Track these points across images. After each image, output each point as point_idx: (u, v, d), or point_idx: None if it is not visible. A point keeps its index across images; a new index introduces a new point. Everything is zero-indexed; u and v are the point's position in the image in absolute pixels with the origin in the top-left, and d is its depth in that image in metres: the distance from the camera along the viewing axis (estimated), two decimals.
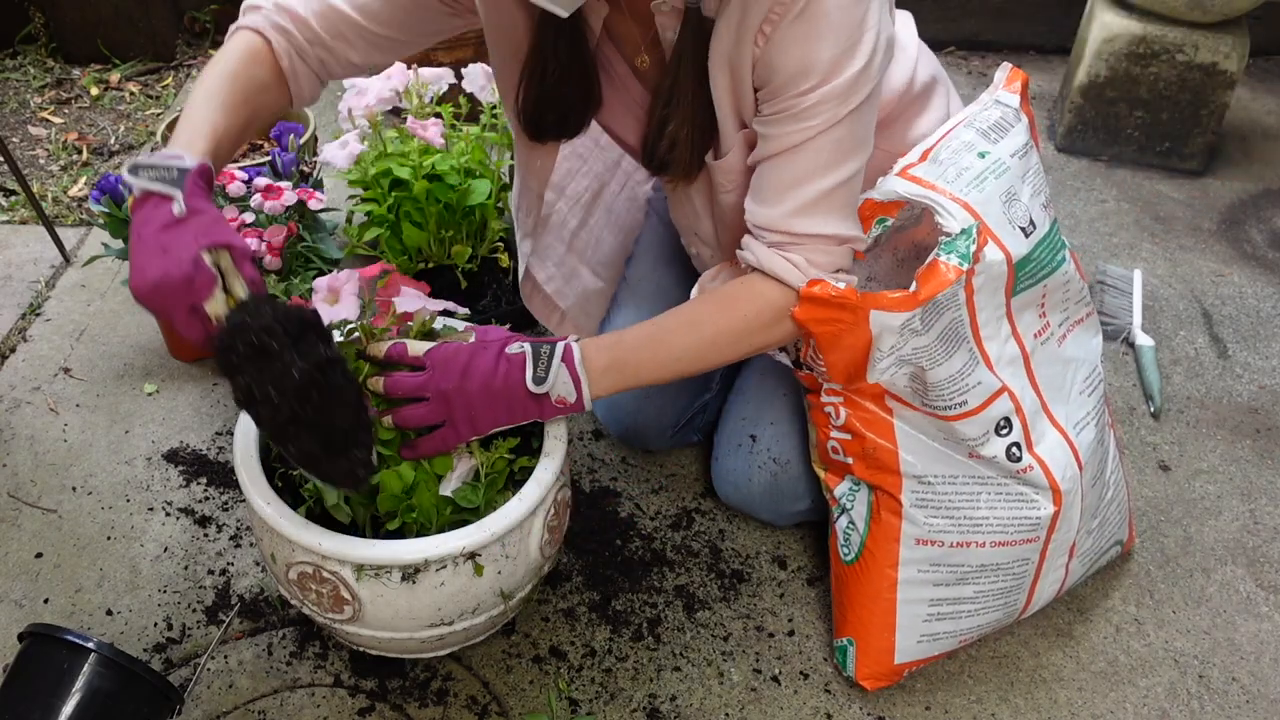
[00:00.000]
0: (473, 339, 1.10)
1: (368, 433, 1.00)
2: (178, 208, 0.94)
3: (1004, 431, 1.18)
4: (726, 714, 1.26)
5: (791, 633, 1.36)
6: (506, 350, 1.07)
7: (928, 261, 1.11)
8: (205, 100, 1.06)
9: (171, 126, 1.94)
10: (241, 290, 0.95)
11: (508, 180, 1.89)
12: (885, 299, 1.08)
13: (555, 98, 1.18)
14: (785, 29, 0.99)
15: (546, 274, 1.51)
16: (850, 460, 1.23)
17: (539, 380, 1.06)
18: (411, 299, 1.16)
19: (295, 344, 0.92)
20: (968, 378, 1.15)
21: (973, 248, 1.10)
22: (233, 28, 1.16)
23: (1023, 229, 1.18)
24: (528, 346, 1.07)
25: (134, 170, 0.96)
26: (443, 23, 1.20)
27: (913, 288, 1.09)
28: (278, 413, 0.92)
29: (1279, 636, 1.38)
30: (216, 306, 0.93)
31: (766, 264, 1.10)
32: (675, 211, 1.31)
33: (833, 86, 1.01)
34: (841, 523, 1.27)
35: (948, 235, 1.12)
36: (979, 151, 1.19)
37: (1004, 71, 1.27)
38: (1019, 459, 1.19)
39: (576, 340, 1.09)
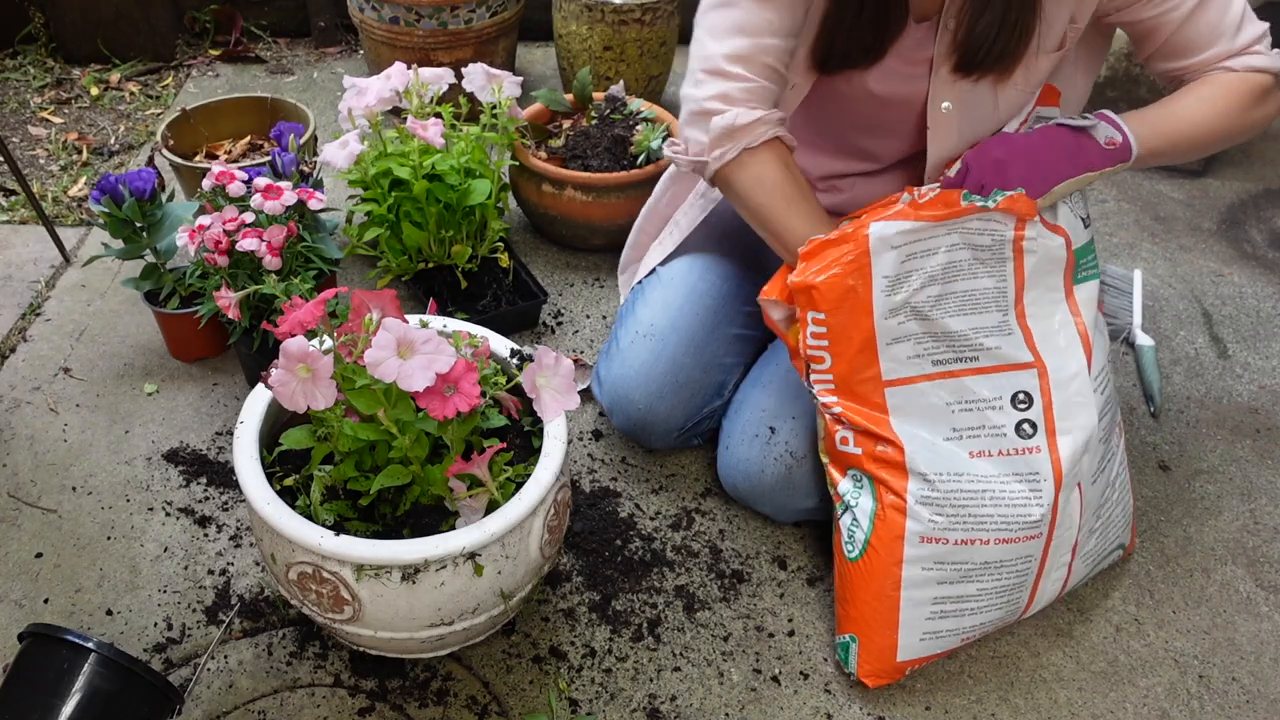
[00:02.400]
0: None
1: None
2: None
3: (1022, 406, 1.20)
4: (726, 714, 1.26)
5: (791, 633, 1.36)
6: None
7: (938, 190, 1.19)
8: (809, 218, 1.23)
9: (171, 126, 1.94)
10: None
11: (507, 180, 1.90)
12: (881, 212, 1.16)
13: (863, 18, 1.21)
14: None
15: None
16: (859, 451, 1.23)
17: (1077, 121, 1.20)
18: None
19: None
20: (988, 338, 1.19)
21: (998, 198, 1.16)
22: (743, 146, 1.22)
23: (1082, 219, 1.26)
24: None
25: None
26: None
27: (904, 199, 1.18)
28: None
29: (1279, 636, 1.38)
30: None
31: (1244, 65, 1.22)
32: (940, 140, 1.30)
33: None
34: (845, 520, 1.27)
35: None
36: None
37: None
38: (1030, 436, 1.21)
39: None
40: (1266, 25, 1.24)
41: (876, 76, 1.27)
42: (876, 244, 1.15)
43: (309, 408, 1.03)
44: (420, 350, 1.02)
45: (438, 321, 1.27)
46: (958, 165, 1.23)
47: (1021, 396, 1.20)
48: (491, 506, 1.11)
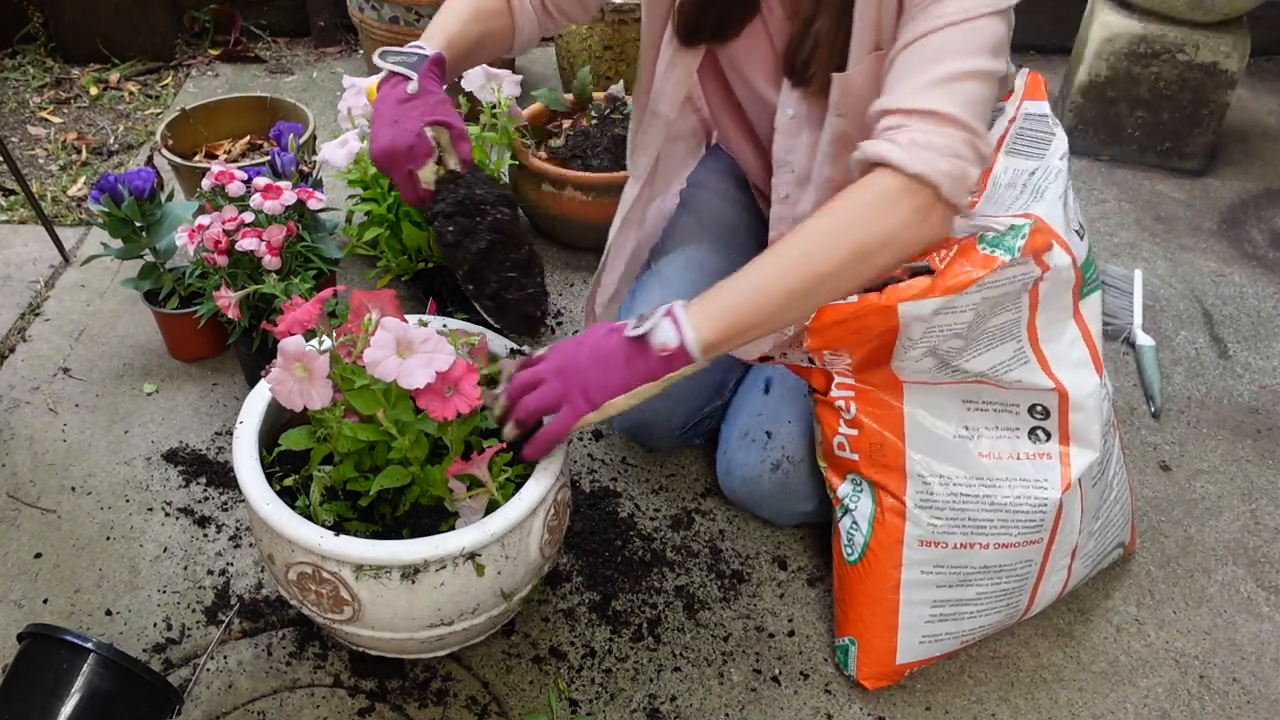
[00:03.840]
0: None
1: (538, 273, 1.19)
2: (412, 86, 1.11)
3: (1039, 415, 1.21)
4: (726, 714, 1.26)
5: (791, 633, 1.36)
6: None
7: (955, 248, 1.10)
8: (446, 13, 1.23)
9: (171, 126, 1.94)
10: (455, 164, 1.13)
11: (507, 180, 1.89)
12: (908, 290, 1.05)
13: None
14: None
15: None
16: (856, 457, 1.23)
17: (638, 324, 1.03)
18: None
19: (491, 205, 1.14)
20: (1009, 372, 1.17)
21: (1020, 242, 1.10)
22: None
23: (1077, 231, 1.21)
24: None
25: (383, 55, 1.13)
26: None
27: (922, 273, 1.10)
28: (471, 256, 1.13)
29: (1279, 637, 1.39)
30: (428, 174, 1.11)
31: (869, 151, 1.03)
32: (784, 145, 1.32)
33: None
34: (845, 523, 1.27)
35: (995, 231, 1.11)
36: (1030, 171, 1.21)
37: (1023, 78, 1.26)
38: (1043, 441, 1.21)
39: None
40: (980, 135, 1.01)
41: (762, 81, 1.30)
42: (907, 320, 1.10)
43: (307, 408, 1.03)
44: (419, 349, 1.02)
45: (437, 321, 1.27)
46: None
47: (1039, 409, 1.20)
48: (491, 506, 1.10)
